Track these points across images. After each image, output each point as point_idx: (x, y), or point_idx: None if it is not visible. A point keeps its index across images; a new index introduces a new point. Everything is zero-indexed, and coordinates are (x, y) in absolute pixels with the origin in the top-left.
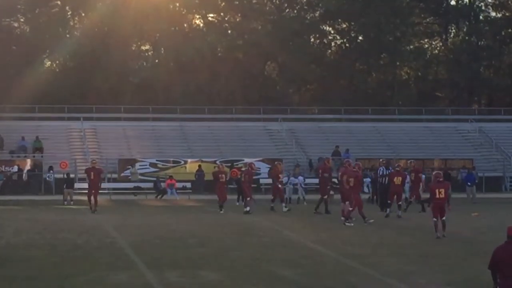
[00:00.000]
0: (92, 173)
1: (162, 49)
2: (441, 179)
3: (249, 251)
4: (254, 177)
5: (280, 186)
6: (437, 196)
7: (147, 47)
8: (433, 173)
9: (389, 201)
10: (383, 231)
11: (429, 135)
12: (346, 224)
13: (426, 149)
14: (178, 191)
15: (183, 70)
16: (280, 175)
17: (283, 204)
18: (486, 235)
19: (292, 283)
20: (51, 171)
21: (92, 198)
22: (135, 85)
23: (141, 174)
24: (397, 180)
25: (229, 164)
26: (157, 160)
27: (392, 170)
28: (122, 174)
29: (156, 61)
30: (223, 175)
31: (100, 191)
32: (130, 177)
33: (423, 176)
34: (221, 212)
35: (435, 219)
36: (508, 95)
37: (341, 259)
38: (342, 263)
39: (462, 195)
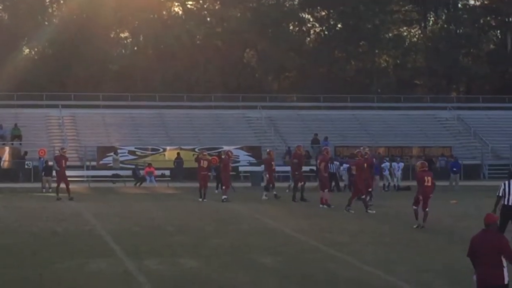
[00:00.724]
0: (63, 161)
1: (141, 36)
2: (426, 169)
3: (229, 238)
4: (233, 165)
5: (267, 174)
6: (426, 183)
7: (126, 34)
8: (418, 162)
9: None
10: (363, 219)
11: (407, 123)
12: (350, 211)
13: (405, 137)
14: (157, 178)
15: (162, 57)
16: (272, 163)
17: (264, 193)
18: (464, 223)
19: (271, 271)
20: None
21: (61, 185)
22: (114, 72)
23: (120, 162)
24: (352, 169)
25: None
26: (136, 148)
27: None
28: (101, 162)
29: (135, 48)
30: (205, 162)
31: (77, 179)
32: (111, 164)
33: (402, 164)
34: (203, 200)
35: (415, 207)
36: (487, 83)
37: (321, 247)
38: (322, 251)
39: (441, 182)
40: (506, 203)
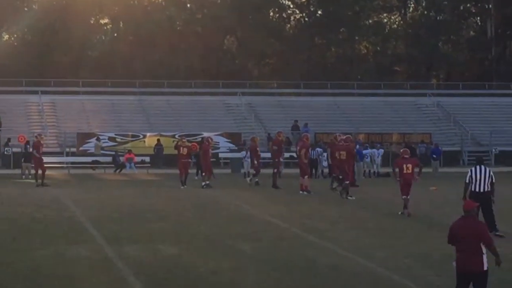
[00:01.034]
0: (40, 147)
1: (121, 23)
2: (407, 156)
3: (208, 225)
4: (213, 151)
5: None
6: (405, 171)
7: (106, 21)
8: (401, 150)
9: (334, 175)
10: (342, 205)
11: (387, 110)
12: (349, 198)
13: (385, 124)
14: (136, 165)
15: (142, 44)
16: (257, 149)
17: (248, 178)
18: (443, 209)
19: (251, 257)
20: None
21: (39, 172)
22: (94, 59)
23: (100, 148)
24: (341, 155)
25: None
26: (115, 134)
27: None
28: (81, 148)
29: (115, 35)
30: (185, 149)
31: (57, 166)
32: (93, 150)
33: (381, 150)
34: (184, 187)
35: (404, 197)
36: (467, 69)
37: (300, 233)
38: (301, 237)
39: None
40: (473, 189)
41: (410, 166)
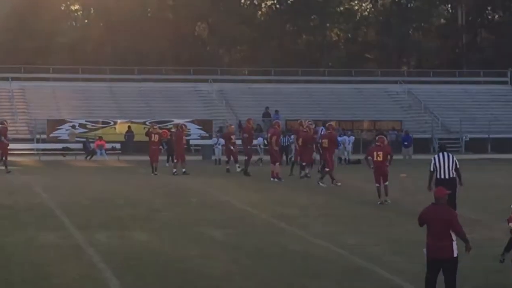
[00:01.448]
0: (5, 133)
1: (92, 9)
2: (379, 143)
3: (179, 212)
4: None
5: (232, 148)
6: (375, 158)
7: (77, 7)
8: (377, 137)
9: (304, 163)
10: (313, 193)
11: (358, 97)
12: (320, 184)
13: (356, 111)
14: (107, 152)
15: (113, 30)
16: (232, 136)
17: (237, 165)
18: (413, 196)
19: (222, 244)
20: None
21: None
22: (65, 45)
23: (75, 136)
24: (324, 142)
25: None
26: (86, 121)
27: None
28: (51, 135)
29: (86, 21)
30: (156, 136)
31: (27, 152)
32: (68, 138)
33: (352, 137)
34: (155, 174)
35: (377, 185)
36: (437, 57)
37: (271, 220)
38: (272, 224)
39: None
40: (439, 176)
41: (381, 153)
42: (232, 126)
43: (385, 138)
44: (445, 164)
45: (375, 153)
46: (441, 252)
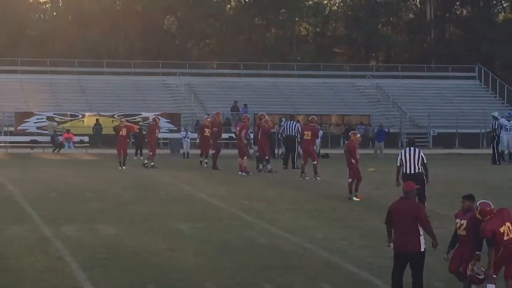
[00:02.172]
0: None
1: (60, 1)
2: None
3: (147, 205)
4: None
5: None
6: (357, 156)
7: None
8: (351, 132)
9: (267, 157)
10: (281, 186)
11: (327, 91)
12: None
13: (324, 105)
14: (75, 145)
15: (82, 23)
16: (206, 129)
17: (205, 160)
18: (381, 191)
19: (189, 237)
20: None
21: None
22: (33, 37)
23: (38, 128)
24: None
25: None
26: (54, 114)
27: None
28: (19, 128)
29: (55, 14)
30: (124, 129)
31: None
32: (48, 131)
33: (321, 132)
34: (123, 168)
35: (350, 180)
36: (406, 52)
37: (239, 214)
38: (240, 218)
39: (361, 150)
40: (405, 171)
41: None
42: (208, 119)
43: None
44: (411, 159)
45: (357, 151)
46: (408, 246)
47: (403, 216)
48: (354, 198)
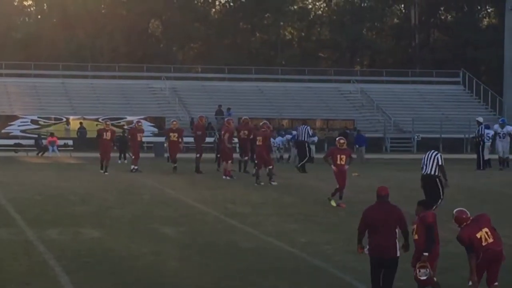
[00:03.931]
0: None
1: (45, 4)
2: (344, 147)
3: (131, 209)
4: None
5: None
6: (338, 162)
7: (30, 2)
8: (337, 138)
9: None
10: (265, 190)
11: (311, 96)
12: (272, 183)
13: (309, 110)
14: (59, 148)
15: (66, 26)
16: (171, 134)
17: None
18: (366, 195)
19: (173, 241)
20: None
21: None
22: (18, 40)
23: (22, 131)
24: (243, 133)
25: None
26: (38, 117)
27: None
28: (3, 131)
29: (39, 17)
30: (108, 133)
31: None
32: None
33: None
34: (105, 173)
35: (338, 187)
36: (390, 56)
37: (223, 218)
38: (224, 222)
39: None
40: (423, 172)
41: (344, 157)
42: (175, 123)
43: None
44: (428, 161)
45: (338, 156)
46: (386, 251)
47: (382, 220)
48: (332, 203)
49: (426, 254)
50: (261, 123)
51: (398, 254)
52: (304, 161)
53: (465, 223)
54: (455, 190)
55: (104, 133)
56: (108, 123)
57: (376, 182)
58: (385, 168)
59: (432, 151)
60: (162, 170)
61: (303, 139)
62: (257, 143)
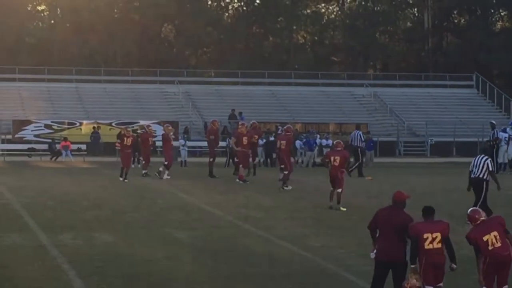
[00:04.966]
0: None
1: (59, 9)
2: (339, 148)
3: (144, 213)
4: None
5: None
6: (332, 163)
7: (43, 7)
8: (335, 141)
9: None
10: (279, 195)
11: (324, 99)
12: (284, 188)
13: (322, 113)
14: (73, 153)
15: (79, 31)
16: (150, 139)
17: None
18: (379, 199)
19: (186, 245)
20: None
21: None
22: (31, 45)
23: (36, 136)
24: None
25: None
26: (52, 122)
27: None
28: (17, 135)
29: (52, 22)
30: (129, 139)
31: None
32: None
33: (319, 141)
34: (124, 180)
35: (332, 189)
36: (403, 60)
37: (236, 222)
38: (237, 226)
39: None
40: (471, 175)
41: (338, 158)
42: (147, 128)
43: (341, 143)
44: (477, 165)
45: (332, 157)
46: (393, 255)
47: (389, 225)
48: (342, 208)
49: (413, 266)
50: (284, 127)
51: (407, 258)
52: (355, 165)
53: (476, 223)
54: (469, 194)
55: (125, 138)
56: (128, 129)
57: (388, 186)
58: (398, 172)
59: (482, 155)
60: (175, 174)
61: (356, 144)
62: (281, 147)
